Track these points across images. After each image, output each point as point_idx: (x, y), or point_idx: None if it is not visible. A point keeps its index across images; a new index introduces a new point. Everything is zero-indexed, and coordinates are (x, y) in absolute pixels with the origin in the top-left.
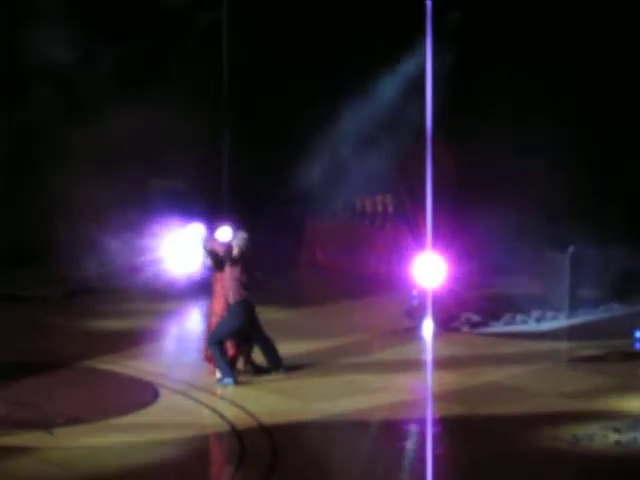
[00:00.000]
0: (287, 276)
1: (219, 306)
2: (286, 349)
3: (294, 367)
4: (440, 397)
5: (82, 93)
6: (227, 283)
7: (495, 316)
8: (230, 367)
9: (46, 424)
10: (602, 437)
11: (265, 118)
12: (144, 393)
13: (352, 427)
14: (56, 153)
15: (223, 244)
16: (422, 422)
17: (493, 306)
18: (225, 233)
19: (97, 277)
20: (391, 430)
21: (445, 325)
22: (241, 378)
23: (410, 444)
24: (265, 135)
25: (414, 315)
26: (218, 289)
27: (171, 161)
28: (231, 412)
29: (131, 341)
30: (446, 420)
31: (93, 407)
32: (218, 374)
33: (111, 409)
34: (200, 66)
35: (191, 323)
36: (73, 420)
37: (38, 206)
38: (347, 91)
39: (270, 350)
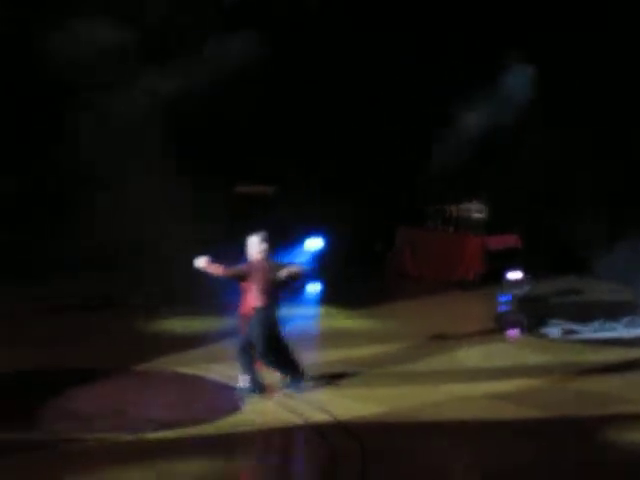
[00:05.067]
0: (376, 283)
1: (245, 310)
2: (370, 354)
3: (378, 372)
4: (526, 403)
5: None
6: (252, 287)
7: (584, 322)
8: (256, 376)
9: (136, 430)
10: None
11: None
12: (231, 398)
13: (440, 433)
14: (139, 155)
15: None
16: (505, 427)
17: (582, 312)
18: (316, 243)
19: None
20: (472, 436)
21: (533, 331)
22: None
23: (494, 451)
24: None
25: (503, 321)
26: (245, 293)
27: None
28: (319, 417)
29: (215, 344)
30: (530, 426)
31: (181, 412)
32: (241, 383)
33: (199, 414)
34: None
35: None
36: (163, 426)
37: (123, 212)
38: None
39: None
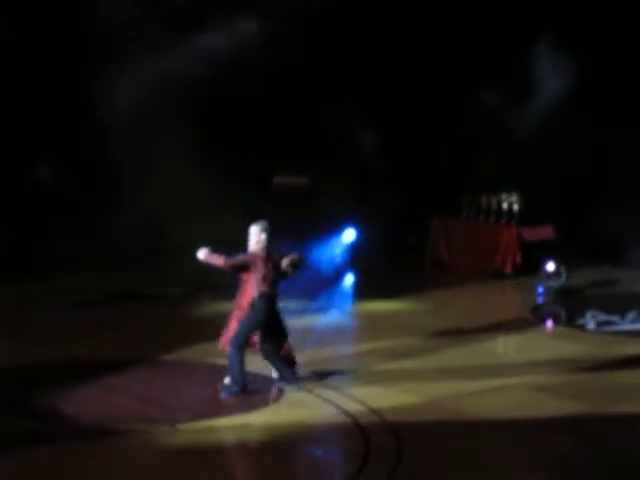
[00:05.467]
0: (411, 274)
1: (244, 301)
2: (406, 345)
3: (414, 363)
4: (564, 394)
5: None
6: (251, 277)
7: (620, 313)
8: (242, 376)
9: (171, 420)
10: None
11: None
12: (268, 389)
13: (478, 425)
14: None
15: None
16: (544, 419)
17: (618, 303)
18: (351, 235)
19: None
20: (510, 427)
21: (569, 322)
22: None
23: (533, 443)
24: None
25: (539, 312)
26: (245, 284)
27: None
28: (355, 408)
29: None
30: (569, 418)
31: (217, 403)
32: (227, 380)
33: (236, 405)
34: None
35: (315, 318)
36: (198, 416)
37: (163, 206)
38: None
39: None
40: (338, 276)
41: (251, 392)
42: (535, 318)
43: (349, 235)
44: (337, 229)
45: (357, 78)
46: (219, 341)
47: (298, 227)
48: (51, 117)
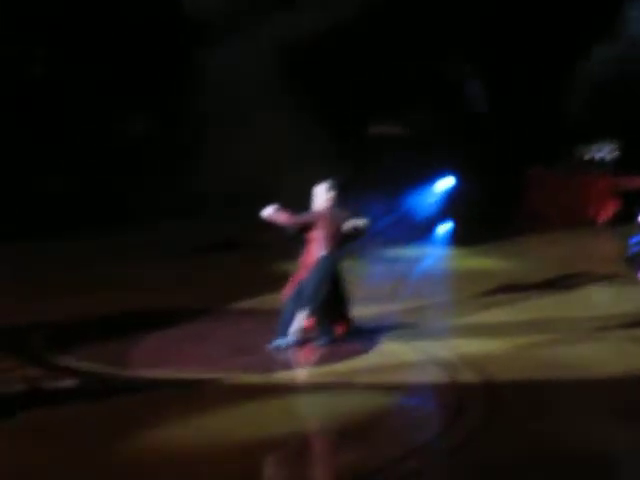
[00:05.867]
0: (506, 224)
1: (308, 260)
2: (500, 294)
3: (508, 312)
4: None
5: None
6: (316, 237)
7: None
8: (289, 326)
9: (265, 370)
10: None
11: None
12: (362, 338)
13: (570, 375)
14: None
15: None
16: (637, 371)
17: None
18: (447, 184)
19: None
20: (603, 379)
21: None
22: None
23: (627, 395)
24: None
25: (633, 263)
26: (309, 243)
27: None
28: (449, 358)
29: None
30: None
31: (308, 353)
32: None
33: (329, 355)
34: None
35: (410, 267)
36: (292, 365)
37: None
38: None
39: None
40: (434, 225)
41: (341, 343)
42: (629, 269)
43: (445, 184)
44: (433, 178)
45: (461, 27)
46: (284, 291)
47: (394, 176)
48: (143, 69)
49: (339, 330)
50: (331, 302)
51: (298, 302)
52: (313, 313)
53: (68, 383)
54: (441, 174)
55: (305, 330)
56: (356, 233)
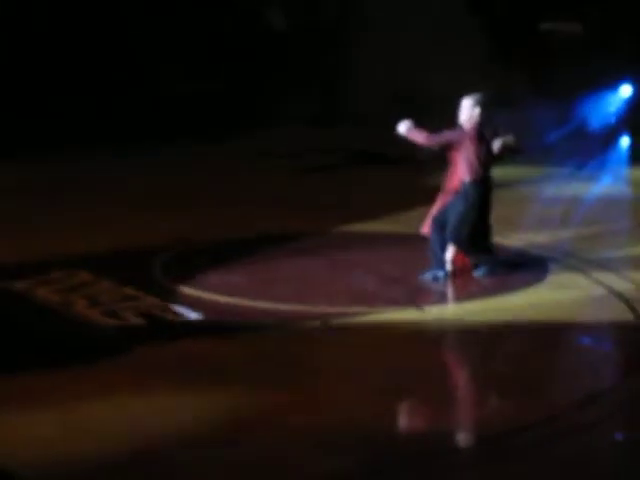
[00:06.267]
0: None
1: (452, 184)
2: None
3: None
4: None
5: None
6: (460, 159)
7: None
8: (443, 258)
9: (417, 302)
10: None
11: None
12: (530, 268)
13: None
14: None
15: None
16: None
17: None
18: (627, 91)
19: None
20: None
21: None
22: None
23: None
24: None
25: None
26: (454, 166)
27: None
28: (631, 292)
29: (517, 209)
30: None
31: (465, 284)
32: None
33: (493, 286)
34: None
35: (584, 188)
36: (445, 298)
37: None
38: None
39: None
40: (612, 138)
41: (508, 272)
42: None
43: (625, 91)
44: (612, 84)
45: None
46: (422, 226)
47: (568, 81)
48: None
49: (460, 260)
50: (478, 232)
51: (443, 233)
52: (459, 246)
53: (189, 316)
54: (621, 80)
55: (456, 263)
56: (509, 152)
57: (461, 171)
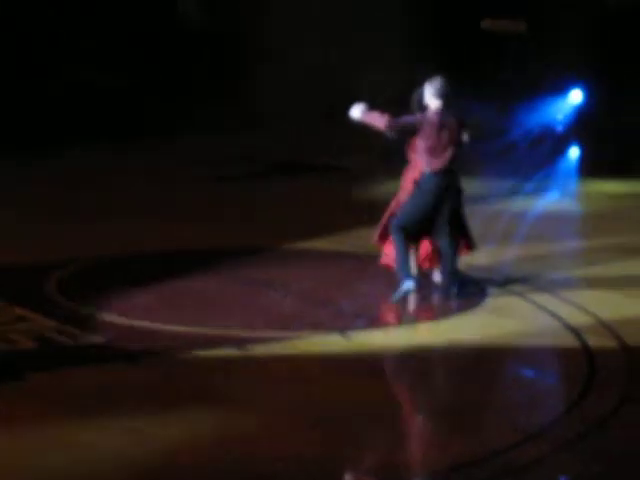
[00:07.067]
0: None
1: (411, 178)
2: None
3: None
4: None
5: None
6: (420, 148)
7: None
8: (408, 265)
9: (342, 326)
10: None
11: None
12: (469, 291)
13: None
14: None
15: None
16: None
17: None
18: (575, 97)
19: None
20: None
21: None
22: None
23: None
24: None
25: None
26: (412, 158)
27: None
28: (576, 318)
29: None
30: None
31: (396, 306)
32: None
33: (427, 310)
34: None
35: (529, 203)
36: (373, 321)
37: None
38: None
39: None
40: (559, 148)
41: (444, 295)
42: None
43: (574, 97)
44: (560, 90)
45: None
46: (374, 235)
47: (509, 86)
48: None
49: (426, 262)
50: (422, 232)
51: (400, 230)
52: (391, 234)
53: (89, 340)
54: (570, 85)
55: (423, 265)
56: (473, 137)
57: (421, 162)
